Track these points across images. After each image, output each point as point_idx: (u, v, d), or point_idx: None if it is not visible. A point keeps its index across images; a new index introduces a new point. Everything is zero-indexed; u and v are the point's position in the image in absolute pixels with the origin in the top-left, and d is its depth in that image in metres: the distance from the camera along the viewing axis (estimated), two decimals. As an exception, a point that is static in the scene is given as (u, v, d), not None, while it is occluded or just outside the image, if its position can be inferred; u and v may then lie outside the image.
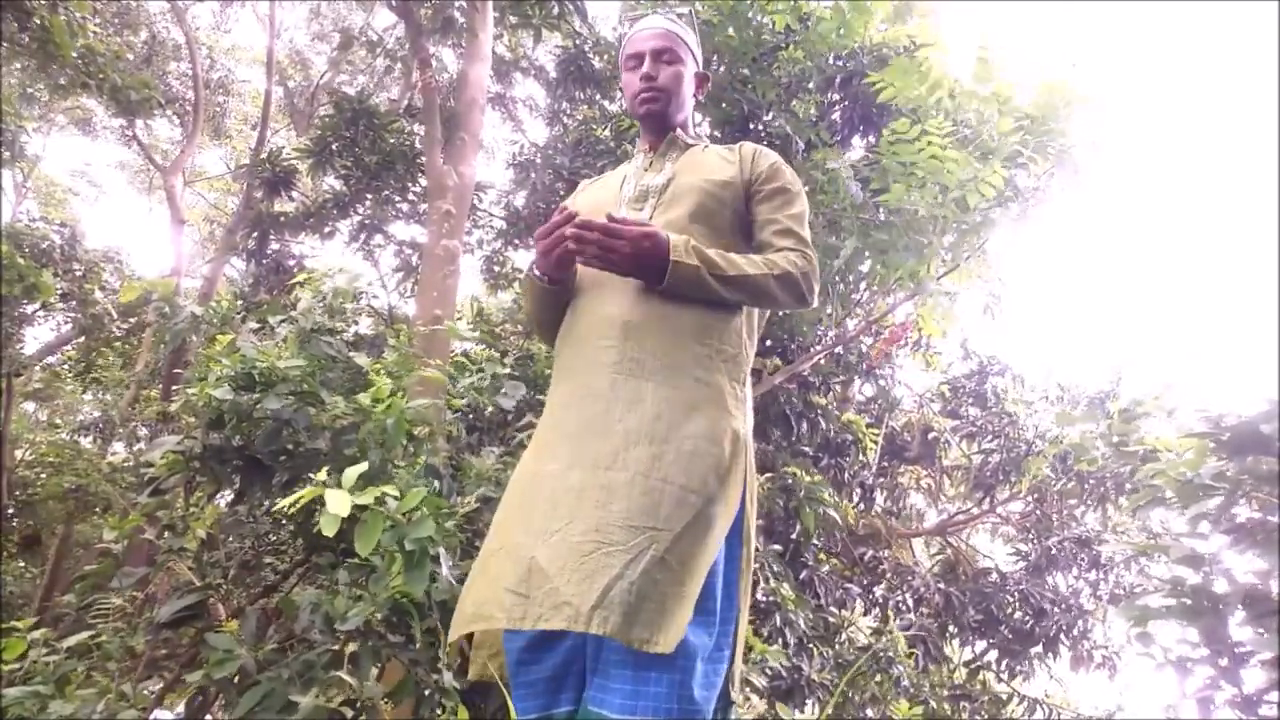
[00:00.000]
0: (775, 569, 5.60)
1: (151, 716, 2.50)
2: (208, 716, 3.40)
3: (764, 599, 5.43)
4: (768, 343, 7.02)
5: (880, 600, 7.83)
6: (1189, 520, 2.41)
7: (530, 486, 1.32)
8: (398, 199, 8.19)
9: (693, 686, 1.17)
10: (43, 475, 9.90)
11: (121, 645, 2.38)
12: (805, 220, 1.57)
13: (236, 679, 2.15)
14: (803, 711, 5.48)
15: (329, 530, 1.56)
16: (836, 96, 6.03)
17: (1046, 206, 5.54)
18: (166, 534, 2.54)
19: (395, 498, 1.82)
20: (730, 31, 5.60)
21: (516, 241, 8.68)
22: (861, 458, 7.71)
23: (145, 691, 2.43)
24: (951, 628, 7.81)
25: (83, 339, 10.48)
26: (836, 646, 6.30)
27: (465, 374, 3.05)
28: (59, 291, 8.50)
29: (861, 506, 8.23)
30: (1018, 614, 7.79)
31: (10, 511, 9.35)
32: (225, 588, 2.70)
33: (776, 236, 1.52)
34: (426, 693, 2.31)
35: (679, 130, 1.67)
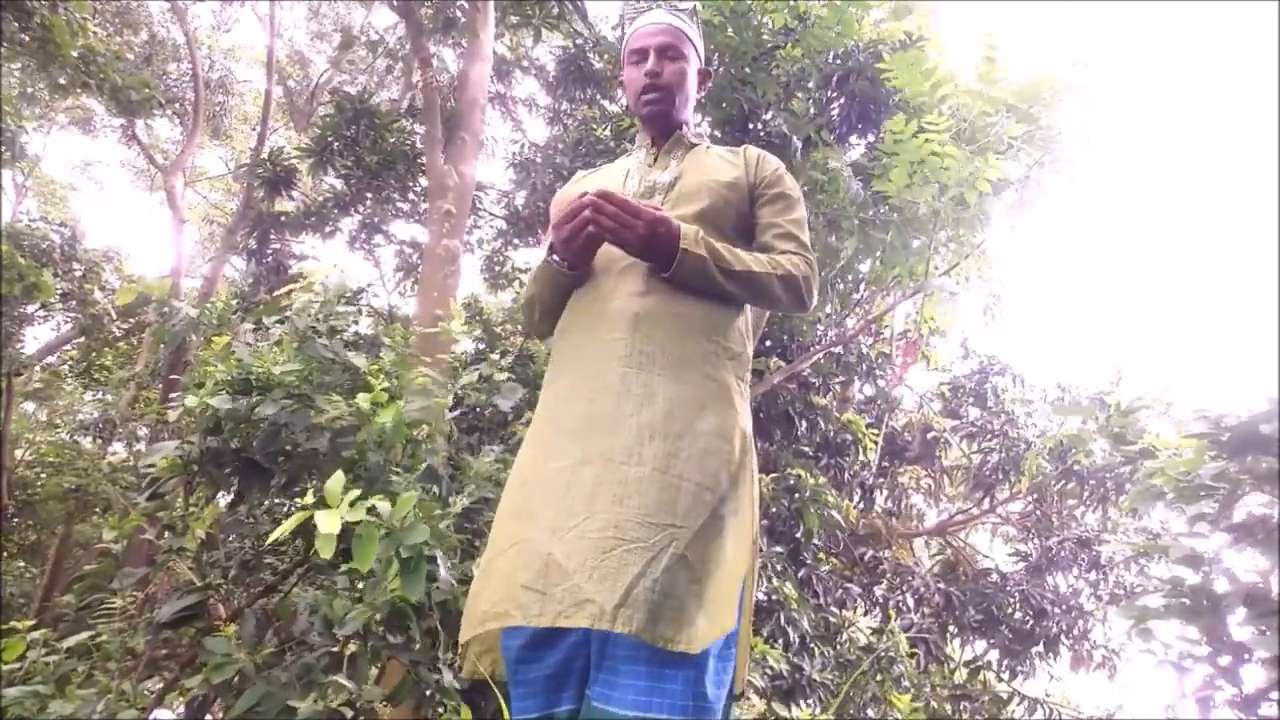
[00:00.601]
0: (778, 568, 5.61)
1: (151, 716, 2.49)
2: (207, 717, 3.40)
3: (766, 598, 5.43)
4: (767, 342, 7.02)
5: (881, 600, 7.83)
6: (1189, 520, 2.41)
7: (537, 482, 1.31)
8: (398, 199, 8.20)
9: (706, 684, 1.17)
10: (43, 475, 9.92)
11: (121, 645, 2.37)
12: (805, 226, 1.58)
13: (235, 682, 2.15)
14: (804, 711, 5.48)
15: (326, 553, 1.56)
16: (835, 95, 6.03)
17: (1040, 197, 5.54)
18: (166, 534, 2.54)
19: (387, 506, 1.81)
20: (730, 31, 5.61)
21: (517, 241, 8.69)
22: (862, 458, 7.71)
23: (145, 691, 2.43)
24: (952, 627, 7.81)
25: (83, 339, 10.48)
26: (837, 646, 6.31)
27: (463, 374, 3.04)
28: (59, 291, 8.51)
29: (862, 506, 8.23)
30: (1018, 614, 7.79)
31: (10, 511, 9.35)
32: (225, 588, 2.70)
33: (778, 239, 1.53)
34: (428, 693, 2.31)
35: (684, 128, 1.66)
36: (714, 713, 1.18)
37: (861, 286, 6.72)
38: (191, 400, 2.41)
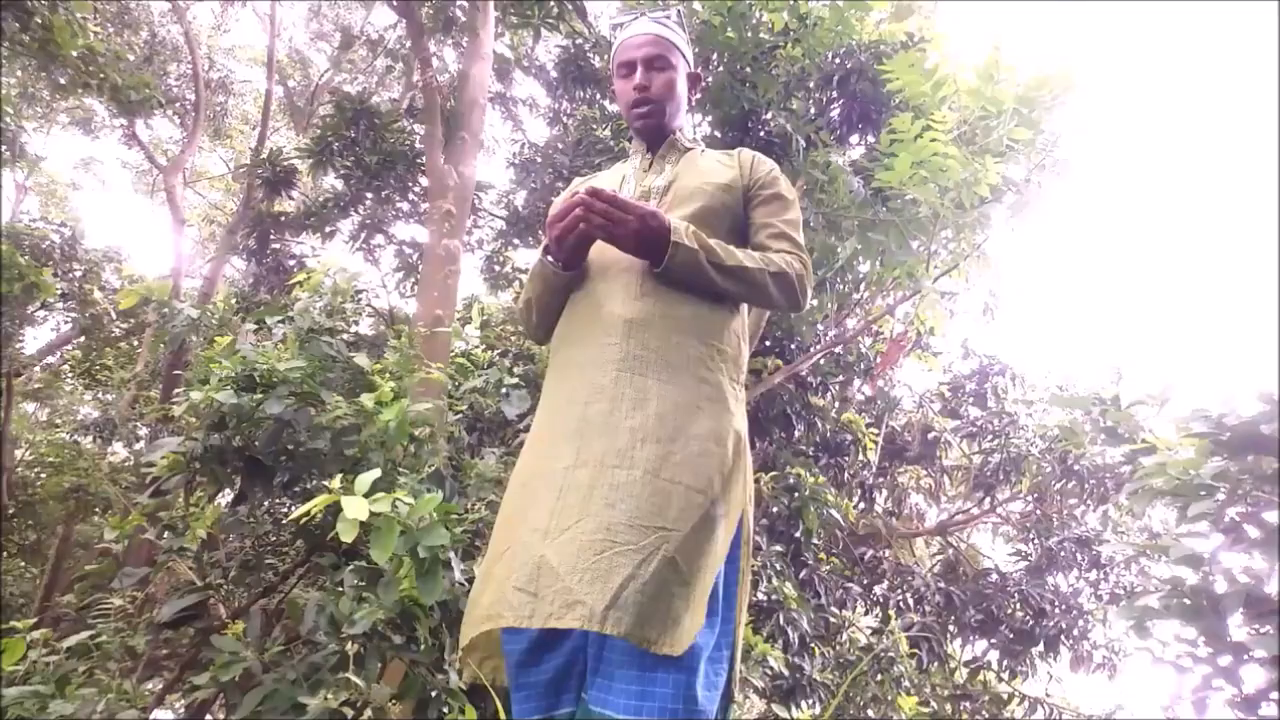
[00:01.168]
0: (778, 568, 5.61)
1: (151, 716, 2.49)
2: (208, 717, 3.40)
3: (766, 598, 5.43)
4: (767, 343, 7.01)
5: (881, 600, 7.84)
6: (1190, 518, 2.41)
7: (534, 485, 1.32)
8: (398, 199, 8.19)
9: (697, 687, 1.17)
10: (43, 475, 9.92)
11: (121, 645, 2.37)
12: (800, 227, 1.60)
13: (241, 680, 2.15)
14: (804, 712, 5.48)
15: (347, 536, 1.55)
16: (835, 94, 6.03)
17: (1040, 198, 5.53)
18: (167, 534, 2.53)
19: (408, 504, 1.81)
20: (730, 32, 5.61)
21: (517, 241, 8.69)
22: (861, 458, 7.71)
23: (145, 691, 2.43)
24: (952, 627, 7.81)
25: (83, 339, 10.48)
26: (837, 646, 6.31)
27: (468, 376, 3.04)
28: (59, 291, 8.50)
29: (862, 506, 8.24)
30: (1018, 614, 7.80)
31: (10, 511, 9.35)
32: (226, 588, 2.70)
33: (772, 239, 1.55)
34: (433, 694, 2.31)
35: (677, 134, 1.68)
36: (706, 715, 1.18)
37: (861, 287, 6.72)
38: (196, 395, 2.41)
